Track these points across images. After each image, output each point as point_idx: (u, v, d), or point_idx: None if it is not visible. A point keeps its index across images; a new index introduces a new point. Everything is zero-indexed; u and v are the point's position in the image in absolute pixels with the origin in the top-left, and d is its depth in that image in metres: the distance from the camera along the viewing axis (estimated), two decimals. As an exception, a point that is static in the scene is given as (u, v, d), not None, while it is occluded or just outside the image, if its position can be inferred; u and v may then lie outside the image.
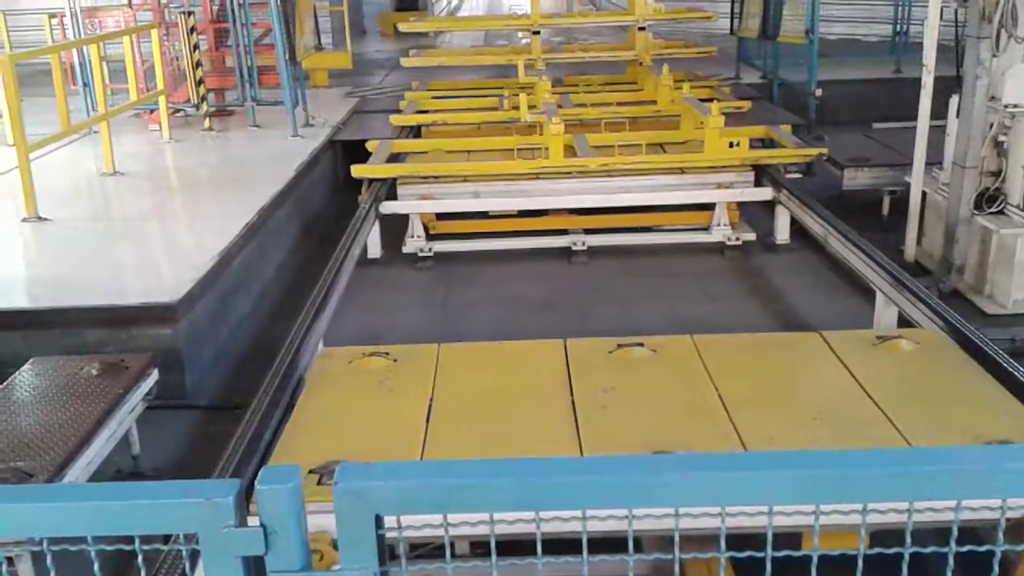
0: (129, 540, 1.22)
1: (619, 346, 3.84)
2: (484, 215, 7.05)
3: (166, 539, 1.28)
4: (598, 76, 10.50)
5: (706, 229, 6.80)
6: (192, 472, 4.01)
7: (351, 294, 5.57)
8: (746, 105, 8.66)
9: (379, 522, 1.19)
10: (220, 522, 1.14)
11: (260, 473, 1.17)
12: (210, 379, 4.93)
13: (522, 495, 1.17)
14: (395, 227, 6.83)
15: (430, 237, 6.84)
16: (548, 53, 10.13)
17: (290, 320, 4.85)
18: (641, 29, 9.82)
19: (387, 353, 3.90)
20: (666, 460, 1.23)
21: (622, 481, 1.17)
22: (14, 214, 6.21)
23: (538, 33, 9.92)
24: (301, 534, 1.18)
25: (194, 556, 2.58)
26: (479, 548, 3.08)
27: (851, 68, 11.10)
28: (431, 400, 3.50)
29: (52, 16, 9.76)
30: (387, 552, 1.22)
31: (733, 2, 11.22)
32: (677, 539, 1.26)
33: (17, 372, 3.92)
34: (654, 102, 8.60)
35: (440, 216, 7.04)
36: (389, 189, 6.97)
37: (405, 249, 6.76)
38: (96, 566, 1.20)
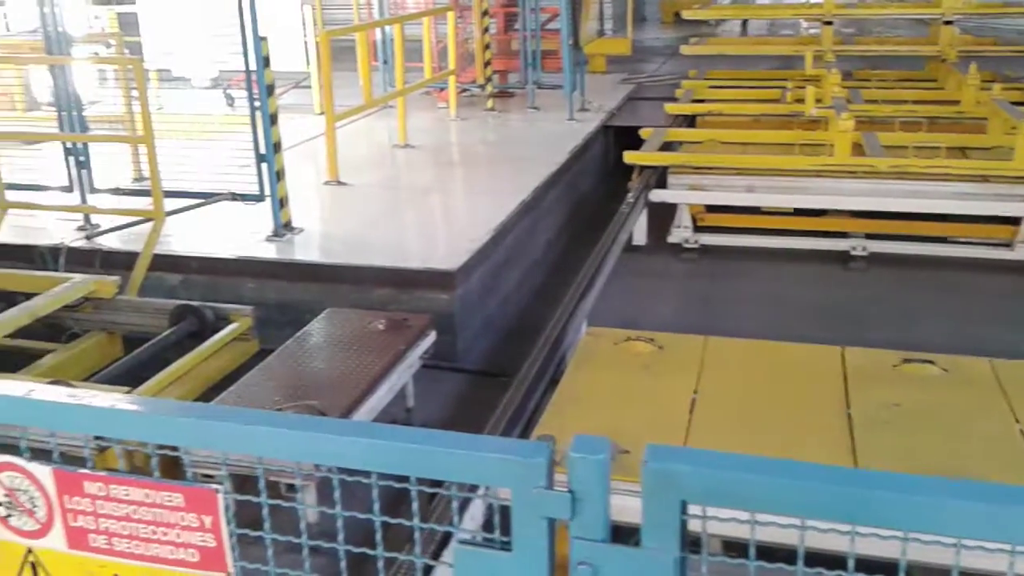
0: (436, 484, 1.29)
1: (905, 361, 3.57)
2: (756, 211, 6.82)
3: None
4: (893, 72, 9.78)
5: (1008, 245, 6.14)
6: (457, 431, 4.23)
7: (614, 278, 5.61)
8: (1067, 111, 7.71)
9: (683, 508, 1.17)
10: (533, 482, 1.18)
11: (572, 441, 1.19)
12: (477, 346, 5.16)
13: (842, 505, 1.10)
14: (662, 216, 6.78)
15: (697, 229, 6.72)
16: (839, 45, 9.58)
17: (552, 298, 4.97)
18: (947, 23, 9.02)
19: (652, 339, 3.89)
20: (1013, 492, 1.11)
21: (960, 508, 1.07)
22: (316, 177, 6.83)
23: (831, 23, 9.41)
24: (606, 505, 1.19)
25: (463, 505, 2.71)
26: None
27: None
28: (696, 391, 3.45)
29: (361, -4, 10.57)
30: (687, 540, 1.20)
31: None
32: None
33: (314, 320, 4.32)
34: (957, 102, 7.89)
35: (710, 208, 6.89)
36: (659, 177, 6.93)
37: (670, 239, 6.69)
38: (416, 505, 1.28)
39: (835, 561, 1.21)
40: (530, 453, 1.18)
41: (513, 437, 3.39)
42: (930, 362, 3.53)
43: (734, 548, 1.40)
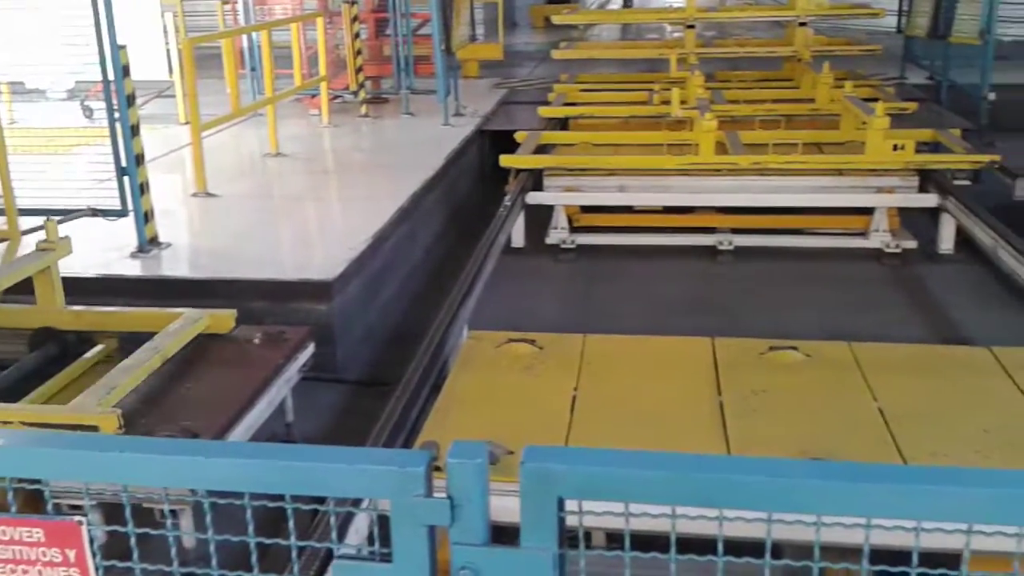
0: (318, 501, 1.27)
1: (771, 348, 3.73)
2: (629, 209, 7.00)
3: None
4: (753, 72, 10.22)
5: (863, 234, 6.51)
6: (339, 443, 4.16)
7: (493, 281, 5.64)
8: (912, 107, 8.24)
9: (560, 505, 1.20)
10: (411, 490, 1.17)
11: (450, 447, 1.20)
12: (359, 355, 5.10)
13: (709, 491, 1.15)
14: (539, 218, 6.87)
15: (573, 229, 6.84)
16: (701, 48, 9.94)
17: (434, 303, 4.96)
18: (802, 25, 9.50)
19: (533, 340, 3.93)
20: (865, 470, 1.18)
21: (818, 487, 1.13)
22: (184, 189, 6.60)
23: (693, 27, 9.76)
24: (485, 509, 1.20)
25: (347, 519, 2.68)
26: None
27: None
28: (576, 390, 3.51)
29: (225, 2, 10.29)
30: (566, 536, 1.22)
31: (901, -1, 10.70)
32: (867, 550, 1.21)
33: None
34: (812, 100, 8.31)
35: (585, 209, 7.03)
36: (535, 180, 7.02)
37: (548, 240, 6.79)
38: (291, 524, 1.26)
39: (707, 545, 1.26)
40: (407, 462, 1.18)
41: (397, 446, 3.37)
42: (794, 348, 3.71)
43: (617, 540, 1.43)
